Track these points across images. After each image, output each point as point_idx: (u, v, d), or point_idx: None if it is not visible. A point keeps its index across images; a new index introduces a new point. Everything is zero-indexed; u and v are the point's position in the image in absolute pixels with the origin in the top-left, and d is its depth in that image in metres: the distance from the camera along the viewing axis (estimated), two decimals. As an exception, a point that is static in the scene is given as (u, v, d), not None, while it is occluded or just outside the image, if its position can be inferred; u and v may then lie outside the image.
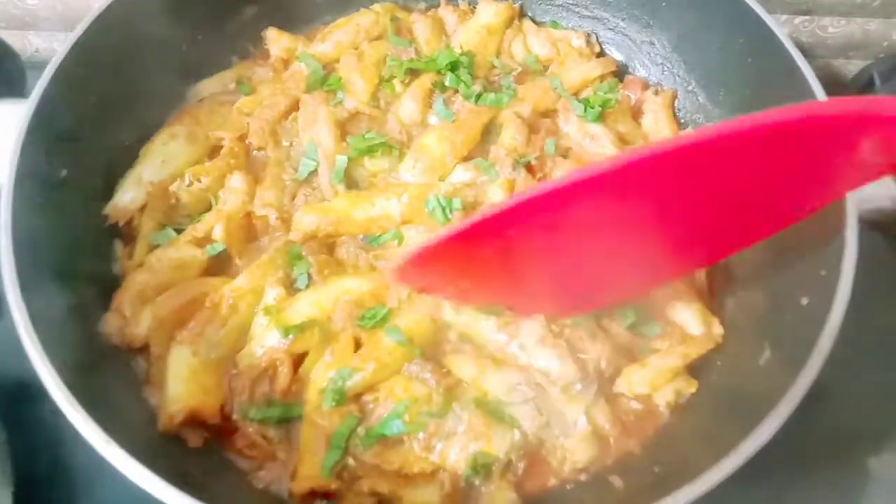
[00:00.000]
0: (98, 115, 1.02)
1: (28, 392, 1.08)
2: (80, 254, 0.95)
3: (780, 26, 1.00)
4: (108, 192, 1.03)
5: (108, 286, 0.97)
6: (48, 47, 1.51)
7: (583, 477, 0.88)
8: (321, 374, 0.91)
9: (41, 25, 1.50)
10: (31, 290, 0.81)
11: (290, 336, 0.92)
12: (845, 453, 1.07)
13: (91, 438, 0.73)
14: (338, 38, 1.20)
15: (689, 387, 0.94)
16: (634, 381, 0.93)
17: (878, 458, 1.07)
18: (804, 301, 0.87)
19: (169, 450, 0.85)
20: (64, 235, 0.92)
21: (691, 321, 0.98)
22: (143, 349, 0.93)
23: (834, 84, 1.41)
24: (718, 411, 0.90)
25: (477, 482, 0.87)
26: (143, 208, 1.02)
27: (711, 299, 1.01)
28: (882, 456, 1.08)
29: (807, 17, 1.45)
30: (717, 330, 0.97)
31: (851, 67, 1.51)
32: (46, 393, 1.11)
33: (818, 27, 1.46)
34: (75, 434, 1.05)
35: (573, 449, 0.88)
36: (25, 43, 1.50)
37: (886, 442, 1.08)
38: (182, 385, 0.88)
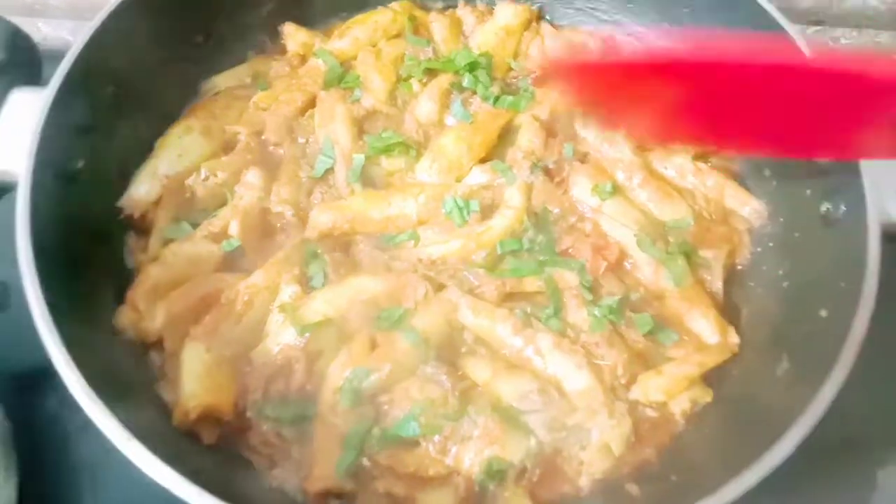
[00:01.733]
0: (114, 107, 1.01)
1: (33, 383, 1.08)
2: (96, 246, 0.95)
3: (799, 37, 1.01)
4: (123, 184, 1.02)
5: (122, 280, 0.96)
6: (57, 35, 1.49)
7: (599, 485, 0.87)
8: (337, 374, 0.90)
9: (51, 13, 1.49)
10: (48, 283, 0.80)
11: (307, 334, 0.91)
12: (852, 463, 1.07)
13: (112, 436, 0.72)
14: (355, 34, 1.19)
15: (705, 396, 0.94)
16: (650, 389, 0.93)
17: (884, 469, 1.08)
18: (823, 313, 0.87)
19: (183, 446, 0.85)
20: (80, 227, 0.92)
21: (707, 330, 0.97)
22: (157, 344, 0.92)
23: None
24: (735, 421, 0.90)
25: (491, 487, 0.86)
26: (157, 202, 1.01)
27: (727, 308, 1.01)
28: (888, 468, 1.08)
29: (819, 28, 1.45)
30: (734, 339, 0.97)
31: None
32: (52, 385, 1.11)
33: (830, 38, 1.47)
34: (83, 426, 1.05)
35: (590, 461, 0.87)
36: (34, 30, 1.48)
37: (894, 453, 1.09)
38: (197, 381, 0.87)
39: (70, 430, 1.04)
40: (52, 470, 1.03)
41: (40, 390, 1.08)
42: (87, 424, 1.03)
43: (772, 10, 1.03)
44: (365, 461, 0.87)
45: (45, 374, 1.12)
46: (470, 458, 0.87)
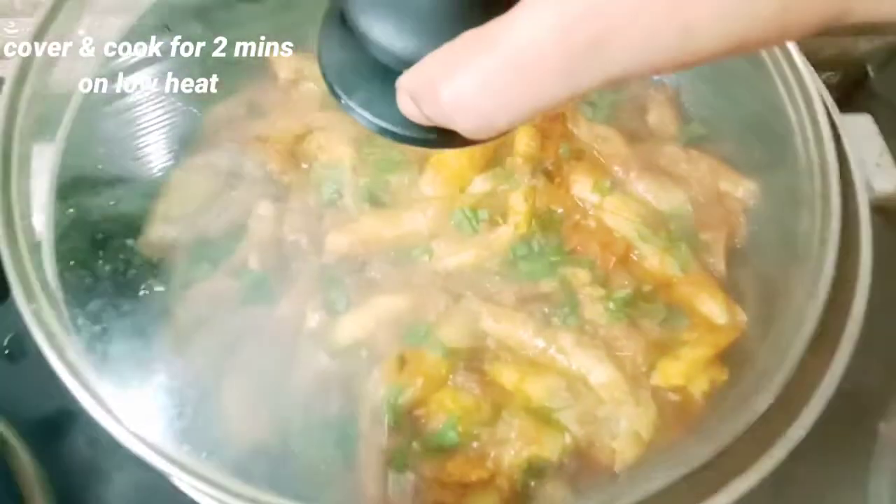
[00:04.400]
0: (115, 152, 1.02)
1: (59, 427, 1.10)
2: (119, 294, 0.96)
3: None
4: (138, 229, 1.03)
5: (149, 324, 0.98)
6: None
7: (633, 470, 0.92)
8: (372, 393, 0.93)
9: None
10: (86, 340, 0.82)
11: (338, 359, 0.94)
12: (853, 416, 1.12)
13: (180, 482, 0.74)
14: (344, 55, 1.20)
15: (721, 374, 0.98)
16: (670, 374, 0.97)
17: (886, 422, 1.14)
18: (825, 286, 0.93)
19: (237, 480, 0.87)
20: (103, 278, 0.93)
21: (716, 311, 1.02)
22: (194, 384, 0.94)
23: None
24: (754, 396, 0.94)
25: (532, 484, 0.91)
26: (173, 243, 1.03)
27: (731, 288, 1.06)
28: (890, 420, 1.14)
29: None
30: (741, 317, 1.02)
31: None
32: (78, 427, 1.13)
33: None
34: (119, 465, 1.07)
35: (621, 448, 0.92)
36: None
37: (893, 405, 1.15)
38: (239, 417, 0.90)
39: (106, 470, 1.06)
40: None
41: (67, 434, 1.10)
42: (124, 463, 1.06)
43: None
44: (411, 475, 0.90)
45: (68, 418, 1.15)
46: (509, 460, 0.91)
